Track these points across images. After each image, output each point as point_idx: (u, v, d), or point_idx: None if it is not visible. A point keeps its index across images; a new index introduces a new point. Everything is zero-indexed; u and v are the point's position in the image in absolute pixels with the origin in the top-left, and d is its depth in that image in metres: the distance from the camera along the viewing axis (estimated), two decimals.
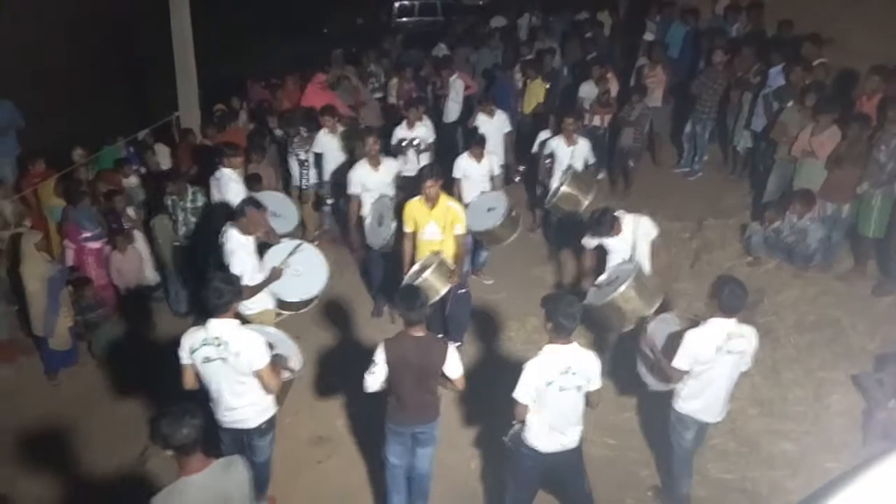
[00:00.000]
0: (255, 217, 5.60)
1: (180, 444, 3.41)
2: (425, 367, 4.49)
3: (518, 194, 9.03)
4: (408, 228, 6.21)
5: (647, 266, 6.03)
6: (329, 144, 8.26)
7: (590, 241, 6.29)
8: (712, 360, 4.61)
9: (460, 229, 6.14)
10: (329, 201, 8.54)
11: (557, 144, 7.87)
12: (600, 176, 9.21)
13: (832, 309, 6.75)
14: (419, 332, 4.50)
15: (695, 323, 4.84)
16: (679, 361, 4.64)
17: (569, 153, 7.76)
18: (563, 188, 7.40)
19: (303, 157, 8.53)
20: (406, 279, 6.14)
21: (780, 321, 6.65)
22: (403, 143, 8.22)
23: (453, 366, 4.53)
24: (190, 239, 7.64)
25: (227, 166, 6.95)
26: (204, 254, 7.21)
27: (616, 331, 6.05)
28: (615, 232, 6.10)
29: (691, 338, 4.62)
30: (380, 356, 4.46)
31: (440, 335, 6.57)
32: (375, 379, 4.51)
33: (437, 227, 6.08)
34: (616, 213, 6.16)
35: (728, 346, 4.59)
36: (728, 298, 4.54)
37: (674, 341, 4.83)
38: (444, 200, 6.10)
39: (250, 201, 5.72)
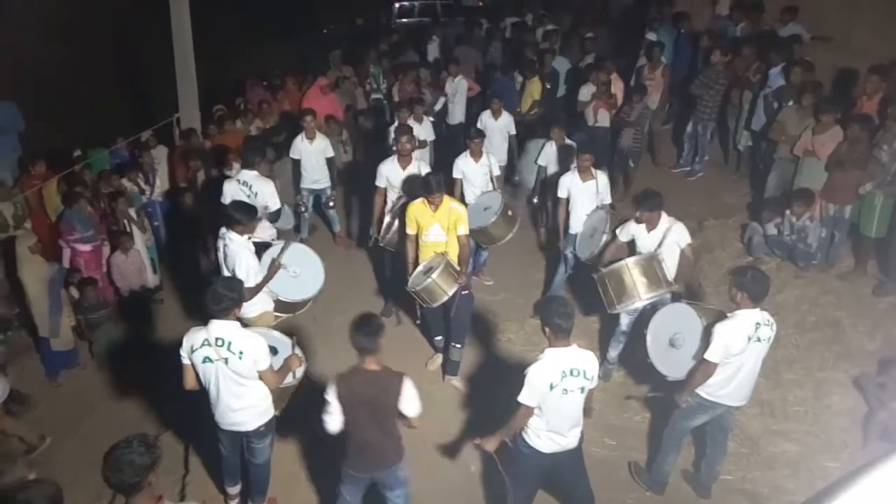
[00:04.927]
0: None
1: (118, 486, 3.16)
2: (379, 404, 4.19)
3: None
4: (410, 230, 6.19)
5: (670, 268, 5.99)
6: (306, 150, 8.10)
7: (626, 233, 6.25)
8: (743, 350, 4.67)
9: (463, 230, 6.12)
10: (303, 210, 8.30)
11: (571, 181, 7.05)
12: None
13: (833, 309, 6.75)
14: (373, 366, 4.18)
15: (720, 315, 4.87)
16: (711, 355, 4.68)
17: (583, 190, 7.01)
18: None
19: None
20: (411, 281, 6.14)
21: (780, 321, 6.61)
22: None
23: (409, 402, 4.22)
24: None
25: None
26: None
27: (611, 306, 6.04)
28: (652, 225, 6.05)
29: (722, 331, 4.66)
30: (331, 393, 4.18)
31: (439, 337, 6.62)
32: (333, 419, 4.22)
33: (440, 229, 6.08)
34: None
35: (758, 334, 4.68)
36: (754, 285, 4.64)
37: (696, 334, 4.94)
38: (447, 202, 6.09)
39: (241, 207, 5.72)
